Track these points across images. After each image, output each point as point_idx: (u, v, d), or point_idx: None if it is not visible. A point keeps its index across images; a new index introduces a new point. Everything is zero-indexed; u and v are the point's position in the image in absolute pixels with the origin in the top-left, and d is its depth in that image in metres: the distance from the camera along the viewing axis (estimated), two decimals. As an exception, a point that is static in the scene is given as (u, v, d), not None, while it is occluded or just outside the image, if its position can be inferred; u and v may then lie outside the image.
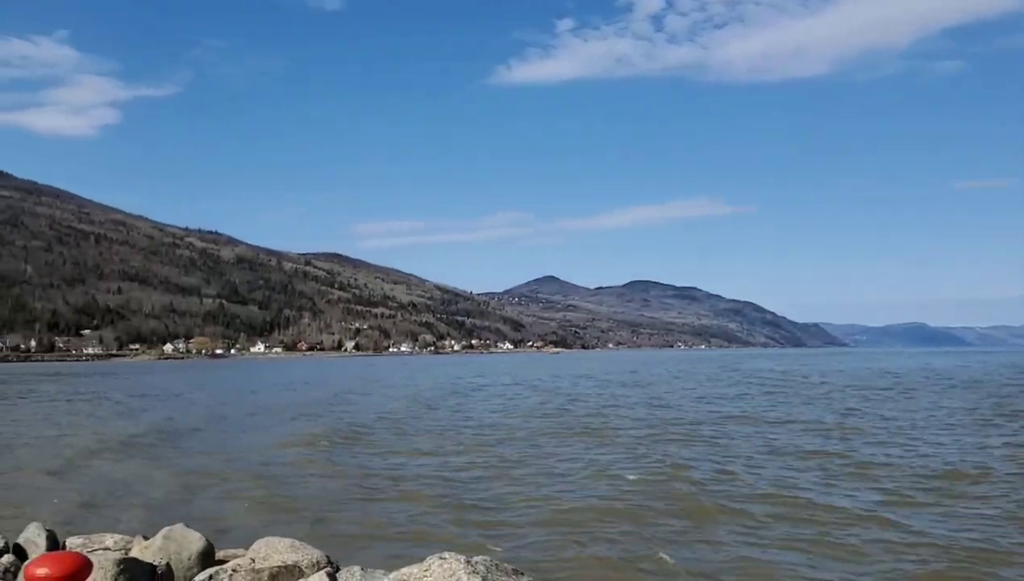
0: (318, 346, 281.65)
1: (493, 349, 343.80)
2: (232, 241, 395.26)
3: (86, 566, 4.88)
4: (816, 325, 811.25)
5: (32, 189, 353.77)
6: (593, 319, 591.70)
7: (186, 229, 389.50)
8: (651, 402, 36.88)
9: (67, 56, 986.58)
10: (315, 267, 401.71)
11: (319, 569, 6.35)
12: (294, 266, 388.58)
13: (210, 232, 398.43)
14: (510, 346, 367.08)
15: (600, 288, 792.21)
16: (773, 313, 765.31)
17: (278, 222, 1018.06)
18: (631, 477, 15.72)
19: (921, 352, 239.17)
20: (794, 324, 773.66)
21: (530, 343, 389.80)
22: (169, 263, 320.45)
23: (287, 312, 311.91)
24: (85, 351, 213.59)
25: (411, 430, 25.99)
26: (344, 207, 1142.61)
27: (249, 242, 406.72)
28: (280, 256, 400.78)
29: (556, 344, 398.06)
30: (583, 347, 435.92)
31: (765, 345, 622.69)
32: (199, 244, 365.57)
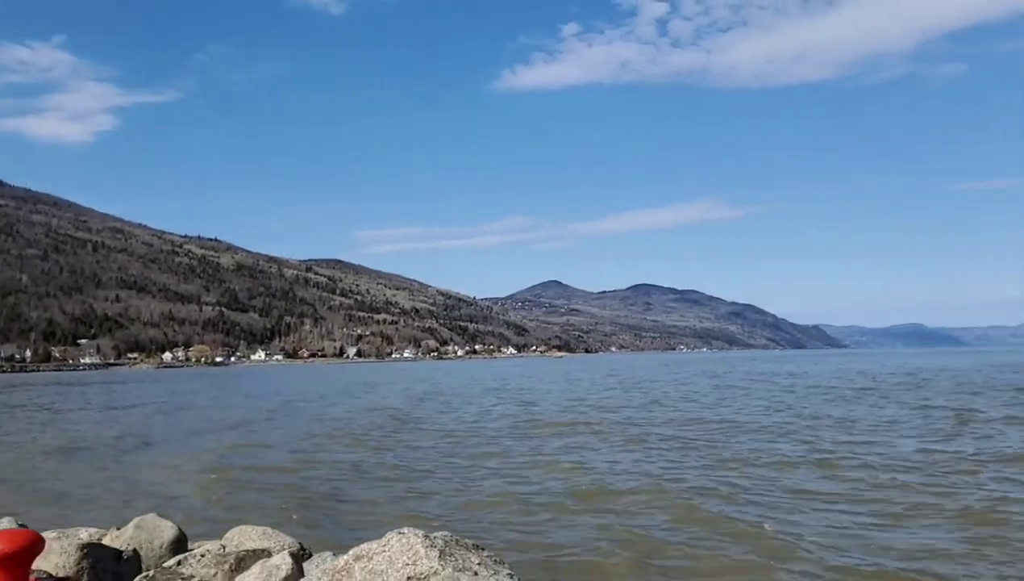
0: (319, 353, 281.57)
1: (497, 354, 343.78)
2: (232, 248, 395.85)
3: (38, 542, 4.75)
4: (816, 327, 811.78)
5: (27, 197, 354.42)
6: (596, 323, 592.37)
7: (185, 236, 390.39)
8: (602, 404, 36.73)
9: (65, 61, 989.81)
10: (316, 274, 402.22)
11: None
12: (295, 273, 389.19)
13: (210, 239, 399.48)
14: (513, 351, 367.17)
15: (603, 292, 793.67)
16: (774, 315, 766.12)
17: (279, 229, 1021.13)
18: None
19: (916, 352, 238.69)
20: (794, 326, 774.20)
21: (533, 348, 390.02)
22: (168, 270, 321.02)
23: (288, 319, 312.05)
24: (82, 361, 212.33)
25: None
26: (346, 213, 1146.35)
27: (249, 249, 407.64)
28: (281, 263, 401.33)
29: (559, 348, 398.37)
30: (586, 351, 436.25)
31: (765, 347, 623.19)
32: (198, 251, 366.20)
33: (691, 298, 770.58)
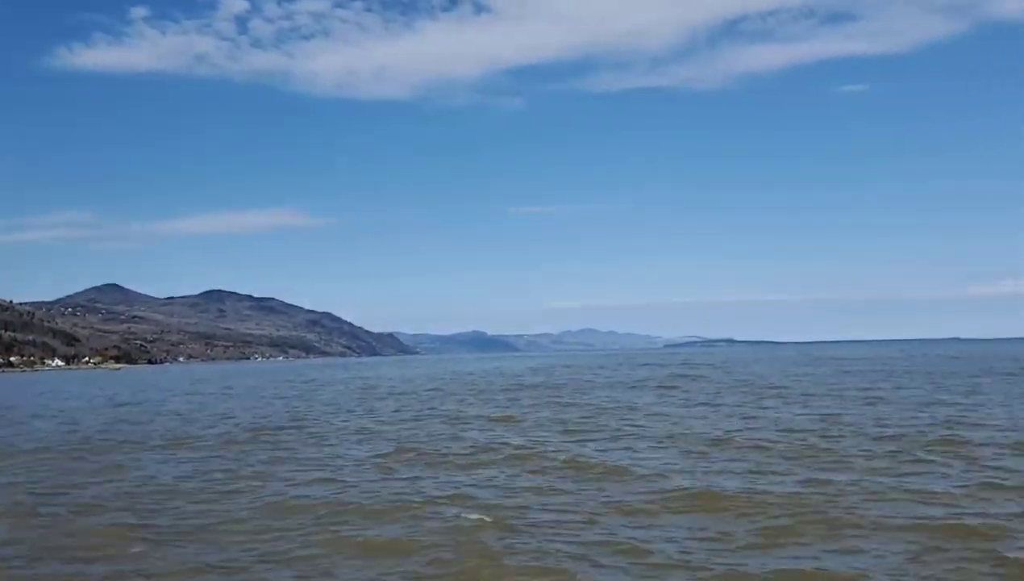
0: None
1: (40, 366, 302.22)
2: None
3: None
4: (391, 334, 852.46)
5: None
6: (163, 331, 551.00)
7: None
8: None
9: None
10: None
11: None
12: None
13: None
14: (60, 363, 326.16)
15: (172, 298, 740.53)
16: (351, 323, 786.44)
17: None
18: None
19: (479, 357, 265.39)
20: (370, 334, 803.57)
21: (86, 359, 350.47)
22: None
23: None
24: None
25: None
26: None
27: None
28: None
29: (118, 359, 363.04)
30: (150, 362, 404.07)
31: (343, 354, 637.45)
32: None
33: (268, 306, 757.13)
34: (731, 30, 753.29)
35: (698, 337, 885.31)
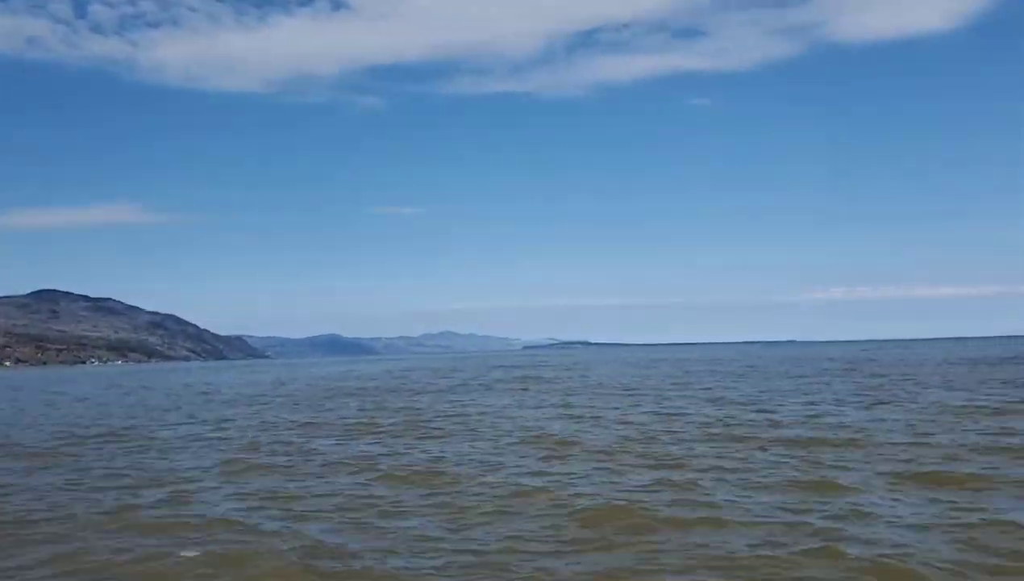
0: None
1: None
2: None
3: None
4: (239, 337, 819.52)
5: None
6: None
7: None
8: None
9: None
10: None
11: None
12: None
13: None
14: None
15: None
16: (196, 326, 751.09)
17: None
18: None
19: (336, 360, 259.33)
20: (217, 337, 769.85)
21: None
22: None
23: None
24: None
25: None
26: None
27: None
28: None
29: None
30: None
31: (187, 358, 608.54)
32: None
33: (107, 307, 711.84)
34: (588, 40, 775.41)
35: (555, 339, 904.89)
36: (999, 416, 23.19)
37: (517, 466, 16.77)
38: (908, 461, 15.87)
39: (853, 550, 9.70)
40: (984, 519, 11.07)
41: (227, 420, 30.12)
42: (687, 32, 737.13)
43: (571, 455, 18.11)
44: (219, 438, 23.92)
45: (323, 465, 17.79)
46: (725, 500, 12.63)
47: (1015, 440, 18.24)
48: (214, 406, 38.79)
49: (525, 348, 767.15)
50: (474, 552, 10.37)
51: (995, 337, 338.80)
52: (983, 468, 14.78)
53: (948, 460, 15.87)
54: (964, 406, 26.08)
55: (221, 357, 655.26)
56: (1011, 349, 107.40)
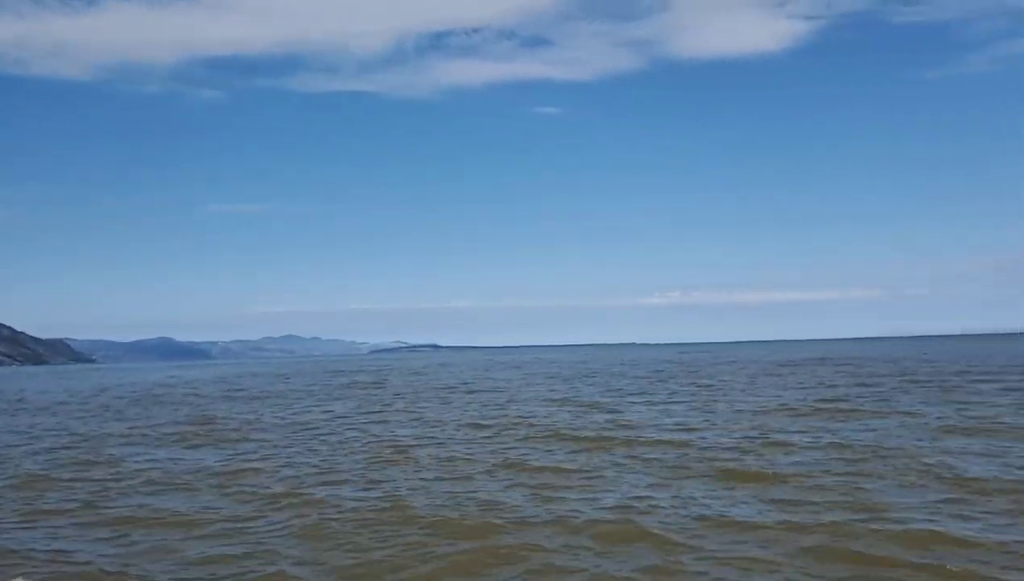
0: None
1: None
2: None
3: None
4: (61, 341, 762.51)
5: None
6: None
7: None
8: None
9: None
10: None
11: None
12: None
13: None
14: None
15: None
16: (12, 328, 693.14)
17: None
18: None
19: (168, 365, 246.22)
20: (37, 341, 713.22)
21: None
22: None
23: None
24: None
25: None
26: None
27: None
28: None
29: None
30: None
31: (1, 363, 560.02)
32: None
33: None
34: (438, 43, 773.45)
35: (403, 342, 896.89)
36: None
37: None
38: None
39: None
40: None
41: None
42: (534, 41, 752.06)
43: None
44: None
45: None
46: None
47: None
48: None
49: (371, 352, 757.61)
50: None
51: (832, 339, 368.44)
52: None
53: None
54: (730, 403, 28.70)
55: (42, 362, 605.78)
56: (831, 351, 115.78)
